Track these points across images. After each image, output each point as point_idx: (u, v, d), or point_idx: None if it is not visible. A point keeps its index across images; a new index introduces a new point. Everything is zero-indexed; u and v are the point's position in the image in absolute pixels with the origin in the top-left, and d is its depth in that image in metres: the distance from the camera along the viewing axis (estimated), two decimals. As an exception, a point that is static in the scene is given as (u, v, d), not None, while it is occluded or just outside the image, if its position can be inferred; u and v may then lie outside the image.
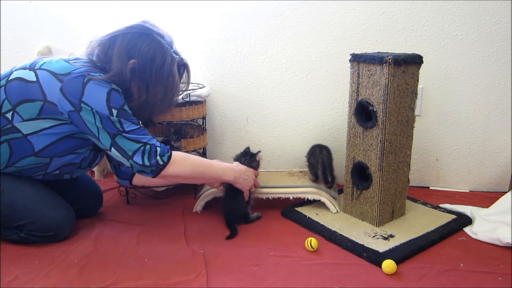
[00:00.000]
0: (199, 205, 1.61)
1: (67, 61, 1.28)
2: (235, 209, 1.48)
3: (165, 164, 1.27)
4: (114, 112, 1.22)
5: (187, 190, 1.77)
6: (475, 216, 1.49)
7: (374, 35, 1.75)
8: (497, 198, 1.57)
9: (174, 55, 1.33)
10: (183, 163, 1.31)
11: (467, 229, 1.44)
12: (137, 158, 1.24)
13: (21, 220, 1.31)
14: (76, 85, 1.21)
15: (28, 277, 1.17)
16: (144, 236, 1.42)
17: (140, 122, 1.29)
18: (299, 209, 1.57)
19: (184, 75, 1.43)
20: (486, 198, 1.72)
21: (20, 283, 1.14)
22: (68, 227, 1.38)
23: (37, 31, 1.92)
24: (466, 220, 1.48)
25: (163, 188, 1.70)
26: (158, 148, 1.26)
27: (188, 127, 1.87)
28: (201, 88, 1.74)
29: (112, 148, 1.24)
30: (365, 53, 1.43)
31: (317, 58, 1.82)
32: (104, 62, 1.28)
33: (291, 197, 1.57)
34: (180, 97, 1.60)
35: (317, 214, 1.53)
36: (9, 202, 1.30)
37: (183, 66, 1.41)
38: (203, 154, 1.84)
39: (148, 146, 1.25)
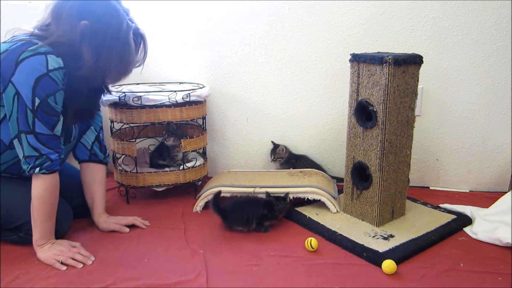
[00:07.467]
0: (199, 205, 1.61)
1: (5, 42, 1.22)
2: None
3: (32, 173, 1.22)
4: (37, 101, 1.17)
5: (187, 190, 1.78)
6: (475, 216, 1.49)
7: (374, 35, 1.75)
8: (497, 198, 1.57)
9: (130, 22, 1.28)
10: (39, 188, 1.23)
11: (467, 229, 1.44)
12: (26, 165, 1.21)
13: (19, 220, 1.30)
14: (9, 64, 1.16)
15: (28, 277, 1.17)
16: (144, 236, 1.42)
17: (59, 130, 1.25)
18: (299, 209, 1.57)
19: (141, 46, 1.36)
20: (486, 198, 1.72)
21: (20, 283, 1.14)
22: (66, 223, 1.37)
23: (37, 31, 1.91)
24: (466, 220, 1.48)
25: (163, 188, 1.70)
26: (48, 163, 1.22)
27: (188, 127, 1.88)
28: (201, 88, 1.73)
29: (16, 139, 1.21)
30: (365, 53, 1.43)
31: (317, 58, 1.82)
32: (51, 28, 1.21)
33: (291, 197, 1.57)
34: (180, 97, 1.60)
35: (317, 214, 1.53)
36: (6, 203, 1.30)
37: (140, 36, 1.34)
38: (203, 154, 1.84)
39: (43, 158, 1.22)
